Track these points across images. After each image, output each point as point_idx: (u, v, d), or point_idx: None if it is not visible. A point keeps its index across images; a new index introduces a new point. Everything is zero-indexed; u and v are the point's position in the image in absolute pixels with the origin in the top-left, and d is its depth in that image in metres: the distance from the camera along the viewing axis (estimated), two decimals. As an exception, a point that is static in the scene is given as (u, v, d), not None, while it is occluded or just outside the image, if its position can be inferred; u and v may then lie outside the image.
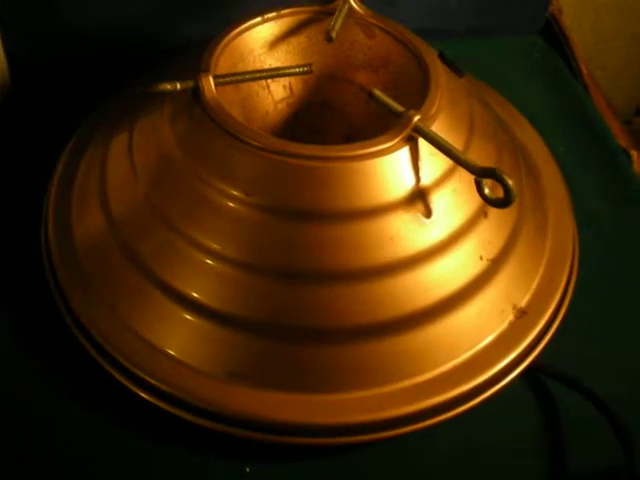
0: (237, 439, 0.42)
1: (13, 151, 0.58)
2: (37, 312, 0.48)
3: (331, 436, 0.42)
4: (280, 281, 0.42)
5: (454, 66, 0.49)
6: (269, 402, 0.41)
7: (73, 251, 0.47)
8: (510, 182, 0.38)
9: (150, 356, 0.43)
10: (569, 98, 0.66)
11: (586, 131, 0.63)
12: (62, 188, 0.50)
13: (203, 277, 0.42)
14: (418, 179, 0.42)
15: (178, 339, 0.43)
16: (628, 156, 0.61)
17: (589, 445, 0.45)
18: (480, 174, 0.39)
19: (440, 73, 0.46)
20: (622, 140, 0.63)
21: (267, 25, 0.50)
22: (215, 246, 0.42)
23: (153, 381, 0.42)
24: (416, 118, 0.42)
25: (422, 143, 0.42)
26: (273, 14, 0.50)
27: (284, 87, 0.52)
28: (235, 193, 0.42)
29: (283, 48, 0.51)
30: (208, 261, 0.42)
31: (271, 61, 0.50)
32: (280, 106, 0.52)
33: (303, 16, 0.50)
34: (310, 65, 0.49)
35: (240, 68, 0.48)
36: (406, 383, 0.42)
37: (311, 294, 0.41)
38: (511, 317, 0.45)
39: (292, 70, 0.49)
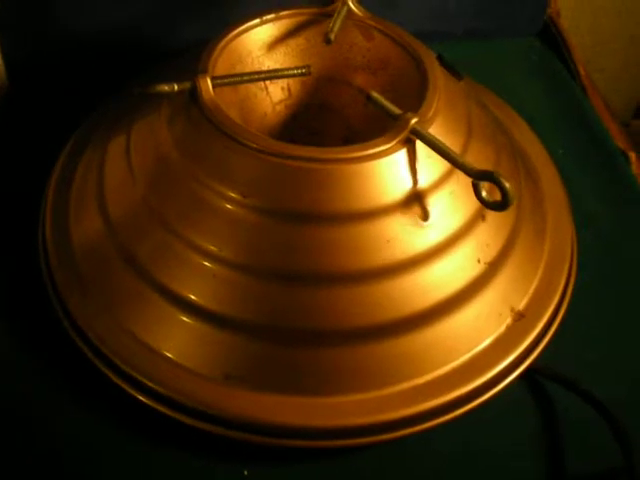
0: (235, 442, 0.42)
1: (11, 153, 0.58)
2: (35, 314, 0.48)
3: (329, 439, 0.42)
4: (278, 283, 0.42)
5: (453, 69, 0.49)
6: (267, 405, 0.41)
7: (70, 253, 0.47)
8: (507, 185, 0.38)
9: (148, 359, 0.43)
10: (567, 100, 0.66)
11: (584, 133, 0.63)
12: (60, 190, 0.50)
13: (201, 279, 0.42)
14: (415, 181, 0.42)
15: (176, 341, 0.43)
16: (626, 158, 0.61)
17: (588, 447, 0.45)
18: (477, 177, 0.39)
19: (438, 75, 0.46)
20: (620, 142, 0.63)
21: (265, 27, 0.50)
22: (213, 248, 0.42)
23: (151, 384, 0.42)
24: (413, 120, 0.42)
25: (420, 145, 0.42)
26: (272, 16, 0.50)
27: (282, 89, 0.52)
28: (233, 195, 0.41)
29: (281, 50, 0.51)
30: (206, 263, 0.42)
31: (269, 63, 0.50)
32: (278, 108, 0.52)
33: (302, 18, 0.50)
34: (308, 67, 0.49)
35: (238, 70, 0.48)
36: (404, 386, 0.42)
37: (309, 296, 0.41)
38: (509, 320, 0.45)
39: (290, 72, 0.49)
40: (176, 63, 0.52)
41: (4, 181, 0.56)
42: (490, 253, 0.44)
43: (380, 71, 0.50)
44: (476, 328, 0.44)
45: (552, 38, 0.71)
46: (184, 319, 0.42)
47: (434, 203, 0.42)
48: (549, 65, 0.70)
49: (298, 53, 0.51)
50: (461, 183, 0.43)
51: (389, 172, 0.42)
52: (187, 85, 0.44)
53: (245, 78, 0.47)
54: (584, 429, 0.46)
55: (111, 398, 0.44)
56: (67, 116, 0.55)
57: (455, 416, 0.42)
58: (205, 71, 0.45)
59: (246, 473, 0.43)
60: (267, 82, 0.51)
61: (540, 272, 0.47)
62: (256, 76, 0.48)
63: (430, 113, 0.43)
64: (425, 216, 0.42)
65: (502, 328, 0.44)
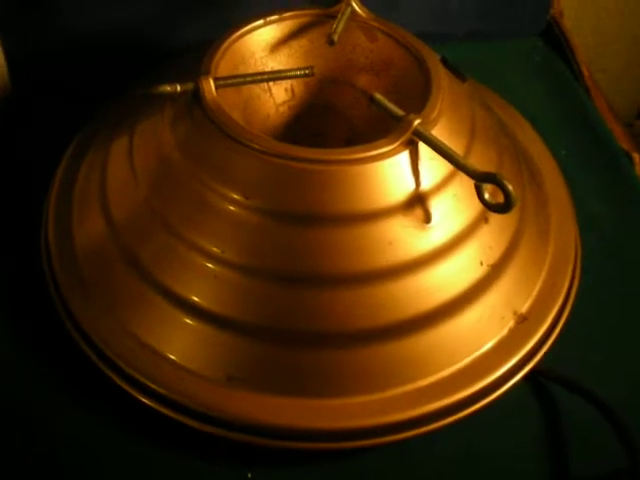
0: (238, 444, 0.42)
1: (14, 155, 0.58)
2: (38, 315, 0.48)
3: (332, 441, 0.42)
4: (281, 285, 0.41)
5: (457, 71, 0.49)
6: (270, 407, 0.41)
7: (73, 255, 0.47)
8: (510, 187, 0.38)
9: (151, 361, 0.43)
10: (570, 101, 0.66)
11: (587, 134, 0.63)
12: (62, 192, 0.50)
13: (204, 281, 0.42)
14: (418, 183, 0.42)
15: (179, 343, 0.43)
16: (630, 159, 0.61)
17: (591, 448, 0.45)
18: (480, 179, 0.39)
19: (442, 77, 0.46)
20: (624, 143, 0.63)
21: (269, 28, 0.50)
22: (215, 250, 0.42)
23: (154, 386, 0.42)
24: (416, 122, 0.42)
25: (422, 147, 0.42)
26: (275, 17, 0.50)
27: (286, 90, 0.52)
28: (236, 196, 0.41)
29: (285, 51, 0.51)
30: (209, 265, 0.42)
31: (273, 64, 0.50)
32: (282, 109, 0.52)
33: (305, 19, 0.50)
34: (312, 68, 0.49)
35: (241, 71, 0.48)
36: (407, 388, 0.42)
37: (312, 298, 0.41)
38: (511, 323, 0.45)
39: (294, 73, 0.49)
40: (178, 64, 0.52)
41: (7, 183, 0.56)
42: (493, 255, 0.44)
43: (383, 72, 0.50)
44: (479, 330, 0.43)
45: (555, 39, 0.71)
46: (187, 321, 0.42)
47: (437, 205, 0.42)
48: (552, 66, 0.69)
49: (301, 54, 0.51)
50: (464, 185, 0.43)
51: (392, 174, 0.42)
52: (190, 86, 0.44)
53: (248, 79, 0.47)
54: (588, 431, 0.46)
55: (112, 399, 0.44)
56: (70, 118, 0.55)
57: (458, 418, 0.42)
58: (208, 72, 0.44)
59: (250, 476, 0.43)
60: (270, 83, 0.51)
61: (543, 274, 0.47)
62: (259, 77, 0.48)
63: (433, 115, 0.43)
64: (428, 218, 0.42)
65: (505, 331, 0.44)
